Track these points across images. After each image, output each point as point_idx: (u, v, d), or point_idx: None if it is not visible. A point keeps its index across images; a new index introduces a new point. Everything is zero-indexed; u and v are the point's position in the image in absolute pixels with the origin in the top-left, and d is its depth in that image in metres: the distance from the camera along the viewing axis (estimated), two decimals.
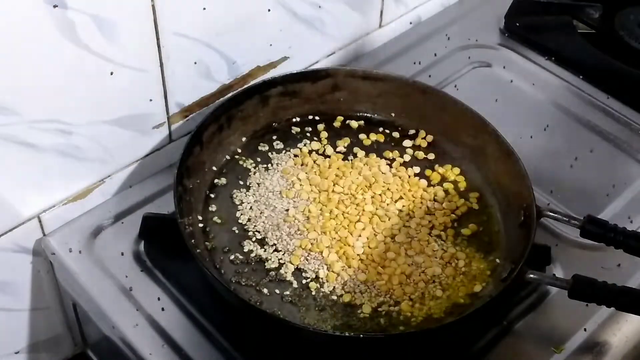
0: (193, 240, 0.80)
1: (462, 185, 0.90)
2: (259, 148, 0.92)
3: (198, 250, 0.79)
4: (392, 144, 0.95)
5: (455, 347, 0.78)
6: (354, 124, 0.96)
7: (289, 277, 0.80)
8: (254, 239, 0.83)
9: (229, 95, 0.92)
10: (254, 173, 0.90)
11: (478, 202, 0.89)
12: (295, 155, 0.92)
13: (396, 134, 0.95)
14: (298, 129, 0.95)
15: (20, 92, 0.74)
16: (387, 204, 0.87)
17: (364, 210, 0.86)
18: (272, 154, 0.92)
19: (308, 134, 0.95)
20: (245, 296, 0.78)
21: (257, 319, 0.75)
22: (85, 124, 0.81)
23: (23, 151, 0.78)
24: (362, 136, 0.95)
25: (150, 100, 0.86)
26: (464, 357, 0.78)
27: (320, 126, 0.96)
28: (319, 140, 0.94)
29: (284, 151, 0.92)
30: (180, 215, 0.79)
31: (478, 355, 0.78)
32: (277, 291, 0.79)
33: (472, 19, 1.17)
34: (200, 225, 0.84)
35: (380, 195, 0.88)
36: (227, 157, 0.91)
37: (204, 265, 0.76)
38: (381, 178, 0.89)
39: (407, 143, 0.95)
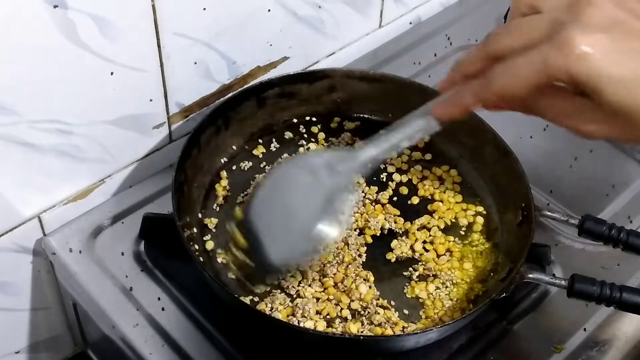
0: (192, 242, 0.80)
1: (460, 185, 0.90)
2: (257, 149, 0.93)
3: (197, 253, 0.79)
4: None
5: (455, 347, 0.78)
6: (351, 125, 0.96)
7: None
8: None
9: (227, 96, 0.92)
10: (252, 174, 0.90)
11: (476, 202, 0.89)
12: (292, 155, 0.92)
13: None
14: (295, 130, 0.95)
15: (21, 92, 0.74)
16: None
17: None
18: (269, 155, 0.92)
19: (305, 135, 0.95)
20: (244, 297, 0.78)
21: (256, 320, 0.76)
22: (86, 124, 0.82)
23: (23, 151, 0.78)
24: (358, 137, 0.95)
25: (151, 100, 0.86)
26: (464, 357, 0.78)
27: (318, 127, 0.96)
28: (316, 141, 0.94)
29: (281, 152, 0.93)
30: (179, 218, 0.78)
31: (478, 355, 0.78)
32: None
33: (471, 19, 1.17)
34: (199, 227, 0.84)
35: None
36: (225, 159, 0.91)
37: (203, 268, 0.76)
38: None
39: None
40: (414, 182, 0.90)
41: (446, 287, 0.80)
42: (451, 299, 0.79)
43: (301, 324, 0.75)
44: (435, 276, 0.81)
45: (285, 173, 0.73)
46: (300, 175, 0.70)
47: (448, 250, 0.83)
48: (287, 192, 0.71)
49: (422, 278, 0.81)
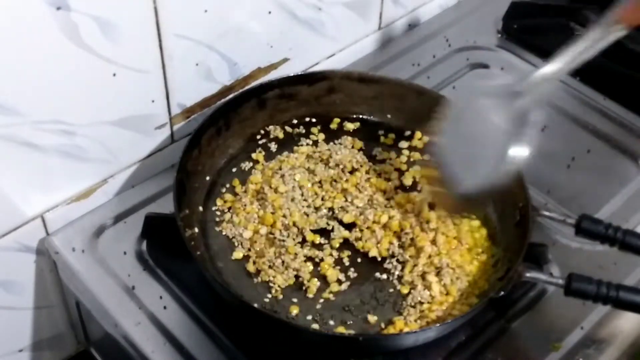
0: (193, 242, 0.81)
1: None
2: (257, 150, 0.93)
3: (198, 252, 0.80)
4: (388, 145, 0.95)
5: (453, 345, 0.78)
6: (350, 125, 0.97)
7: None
8: None
9: (228, 97, 0.93)
10: (252, 175, 0.90)
11: (474, 202, 0.89)
12: (292, 153, 0.93)
13: (392, 135, 0.96)
14: (295, 131, 0.96)
15: (24, 93, 0.75)
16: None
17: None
18: (269, 156, 0.93)
19: (305, 136, 0.96)
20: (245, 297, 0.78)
21: (257, 318, 0.76)
22: (88, 124, 0.82)
23: (27, 151, 0.78)
24: (358, 138, 0.95)
25: (153, 101, 0.87)
26: (462, 355, 0.78)
27: (318, 128, 0.96)
28: (316, 142, 0.95)
29: (281, 153, 0.93)
30: (181, 218, 0.79)
31: (476, 354, 0.78)
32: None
33: (470, 21, 1.18)
34: (201, 227, 0.85)
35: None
36: (226, 159, 0.91)
37: (204, 268, 0.76)
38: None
39: (403, 144, 0.95)
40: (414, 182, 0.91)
41: (446, 285, 0.81)
42: (450, 297, 0.80)
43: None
44: (438, 272, 0.81)
45: (467, 104, 0.78)
46: (483, 103, 0.75)
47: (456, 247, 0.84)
48: (473, 122, 0.76)
49: (423, 277, 0.82)
